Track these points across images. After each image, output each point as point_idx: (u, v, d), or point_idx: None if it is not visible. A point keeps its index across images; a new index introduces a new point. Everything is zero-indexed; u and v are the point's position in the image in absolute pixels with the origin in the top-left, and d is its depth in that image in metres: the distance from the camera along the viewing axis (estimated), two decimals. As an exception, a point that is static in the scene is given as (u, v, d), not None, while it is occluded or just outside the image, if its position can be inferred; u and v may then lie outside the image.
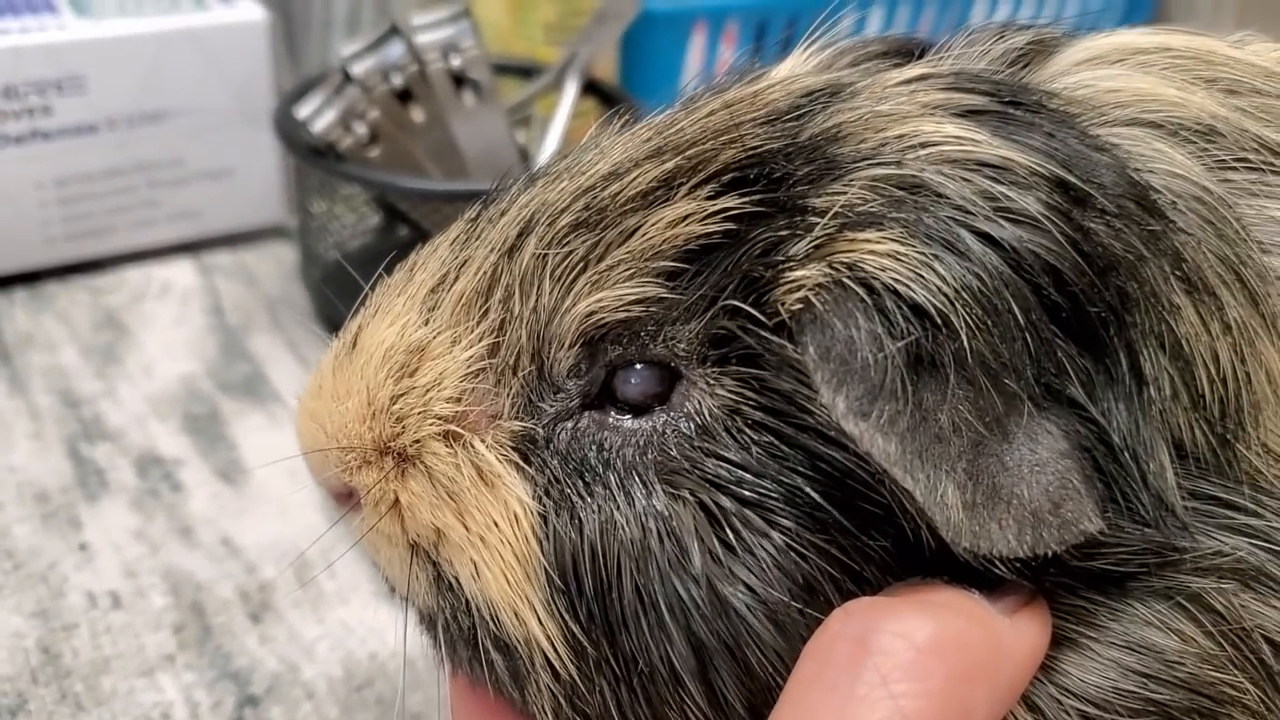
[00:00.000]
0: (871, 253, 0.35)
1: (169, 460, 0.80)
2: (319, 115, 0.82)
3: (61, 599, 0.69)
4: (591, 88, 0.99)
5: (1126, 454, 0.36)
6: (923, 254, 0.34)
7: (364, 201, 0.95)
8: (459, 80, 0.85)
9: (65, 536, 0.73)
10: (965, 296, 0.34)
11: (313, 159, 0.85)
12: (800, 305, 0.35)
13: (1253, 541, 0.37)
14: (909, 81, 0.40)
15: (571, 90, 0.95)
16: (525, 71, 1.03)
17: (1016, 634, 0.36)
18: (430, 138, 0.86)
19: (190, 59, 0.97)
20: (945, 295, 0.34)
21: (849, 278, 0.35)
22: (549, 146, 0.90)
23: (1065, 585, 0.37)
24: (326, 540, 0.68)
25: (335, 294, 0.79)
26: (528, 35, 1.12)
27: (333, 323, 0.88)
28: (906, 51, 0.43)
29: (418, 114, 0.85)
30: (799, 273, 0.36)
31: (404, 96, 0.85)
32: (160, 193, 1.00)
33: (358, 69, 0.83)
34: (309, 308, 0.97)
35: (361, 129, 0.84)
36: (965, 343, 0.34)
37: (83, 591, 0.69)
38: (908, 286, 0.34)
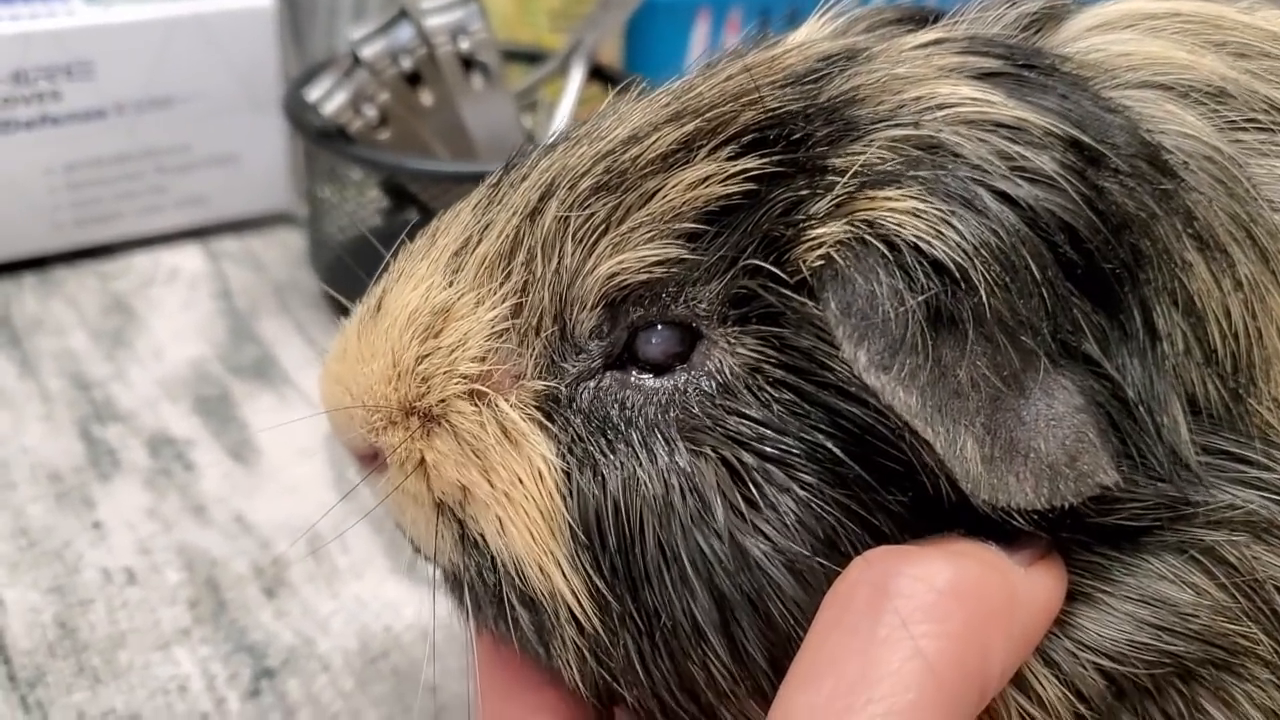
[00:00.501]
0: (892, 210, 0.35)
1: (180, 440, 0.81)
2: (329, 98, 0.83)
3: (77, 575, 0.69)
4: (597, 73, 0.99)
5: (1141, 409, 0.36)
6: (942, 211, 0.35)
7: (372, 186, 0.96)
8: (468, 63, 0.85)
9: (79, 515, 0.74)
10: (984, 253, 0.35)
11: (322, 142, 0.85)
12: (822, 262, 0.36)
13: (1264, 494, 0.37)
14: (924, 46, 0.40)
15: (577, 76, 0.96)
16: (531, 57, 1.03)
17: (1032, 584, 0.37)
18: (439, 120, 0.86)
19: (198, 45, 0.97)
20: (964, 251, 0.35)
21: (870, 234, 0.35)
22: (556, 130, 0.91)
23: (1080, 541, 0.38)
24: (339, 516, 0.69)
25: (343, 278, 0.80)
26: (533, 22, 1.13)
27: (341, 307, 0.89)
28: (920, 19, 0.44)
29: (427, 97, 0.86)
30: (820, 230, 0.36)
31: (413, 79, 0.85)
32: (168, 179, 1.01)
33: (367, 52, 0.83)
34: (317, 292, 0.98)
35: (371, 111, 0.84)
36: (984, 298, 0.35)
37: (98, 568, 0.70)
38: (928, 242, 0.35)
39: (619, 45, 1.14)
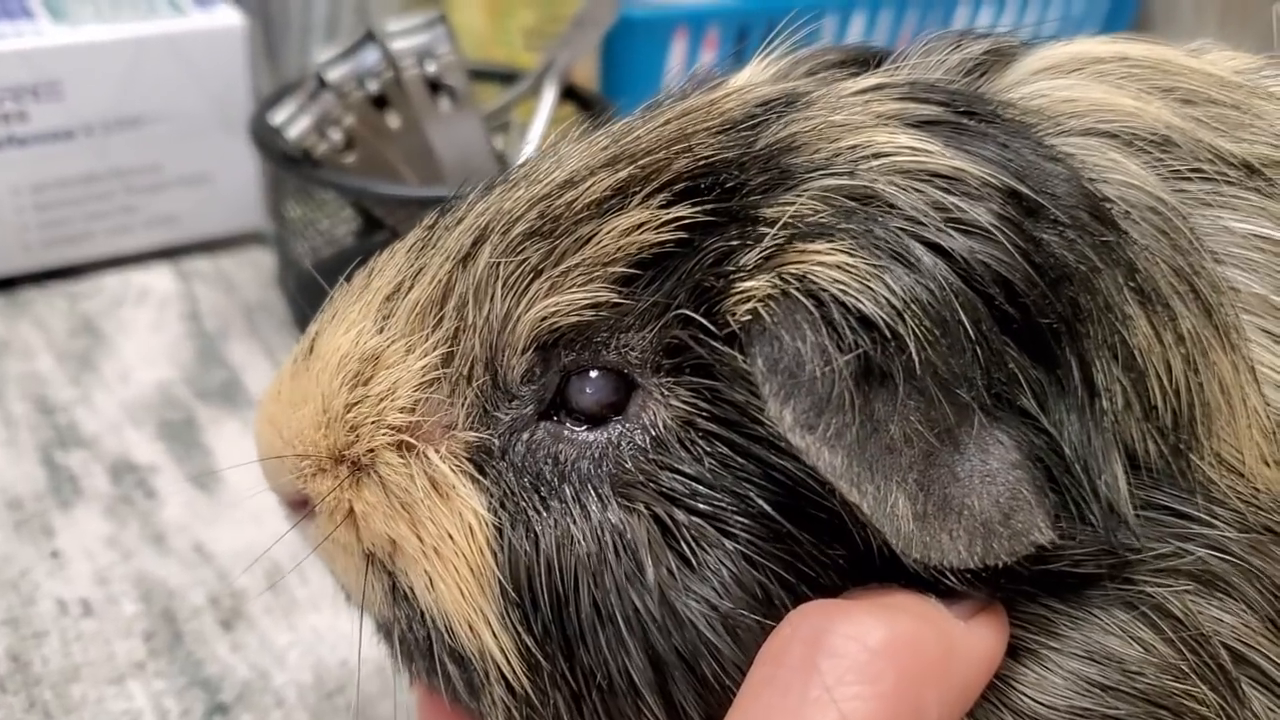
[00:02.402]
0: (820, 264, 0.35)
1: (143, 467, 0.80)
2: (293, 121, 0.82)
3: (32, 606, 0.69)
4: (570, 93, 0.98)
5: (1078, 465, 0.36)
6: (872, 265, 0.34)
7: (342, 207, 0.95)
8: (434, 86, 0.85)
9: (37, 544, 0.73)
10: (914, 308, 0.34)
11: (288, 165, 0.85)
12: (749, 316, 0.35)
13: (1207, 551, 0.37)
14: (864, 91, 0.40)
15: (549, 96, 0.95)
16: (504, 77, 1.03)
17: (971, 638, 0.36)
18: (406, 144, 0.86)
19: (167, 65, 0.96)
20: (894, 307, 0.34)
21: (797, 289, 0.35)
22: (526, 153, 0.90)
23: (1025, 592, 0.37)
24: (299, 547, 0.68)
25: (312, 300, 0.79)
26: (507, 41, 1.12)
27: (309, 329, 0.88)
28: (863, 60, 0.44)
29: (393, 120, 0.85)
30: (749, 283, 0.36)
31: (380, 102, 0.85)
32: (138, 199, 1.00)
33: (333, 75, 0.83)
34: (286, 314, 0.97)
35: (337, 135, 0.84)
36: (914, 354, 0.34)
37: (54, 599, 0.69)
38: (855, 298, 0.34)
39: (595, 64, 1.13)
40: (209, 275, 1.03)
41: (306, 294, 0.91)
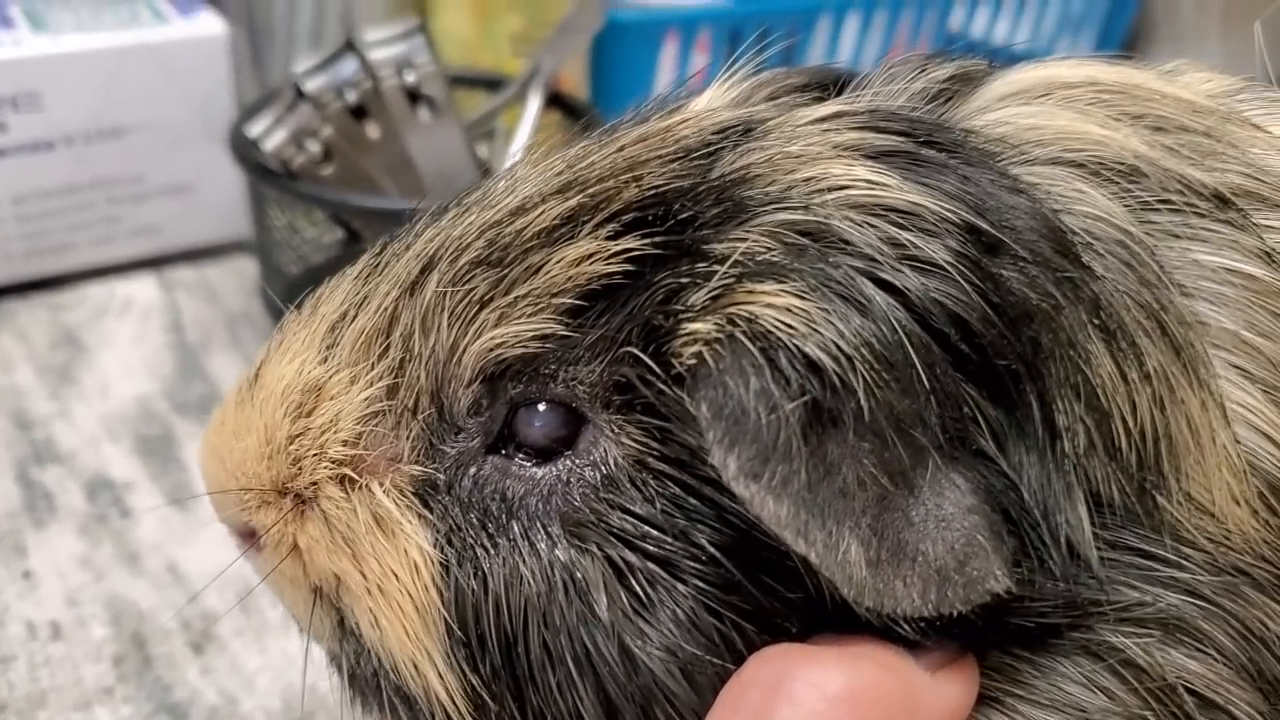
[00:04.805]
0: (769, 305, 0.34)
1: (119, 484, 0.79)
2: (270, 134, 0.81)
3: (1, 630, 0.68)
4: (556, 100, 0.97)
5: (1038, 508, 0.35)
6: (821, 308, 0.33)
7: (325, 216, 0.94)
8: (413, 96, 0.83)
9: (9, 564, 0.72)
10: (863, 352, 0.33)
11: (266, 177, 0.84)
12: (695, 360, 0.34)
13: (1175, 594, 0.35)
14: (823, 119, 0.39)
15: (535, 103, 0.94)
16: (490, 83, 1.02)
17: (936, 690, 0.35)
18: (386, 154, 0.85)
19: (149, 74, 0.95)
20: (843, 352, 0.33)
21: (743, 333, 0.34)
22: (511, 160, 0.89)
23: (988, 641, 0.36)
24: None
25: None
26: (493, 46, 1.11)
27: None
28: (826, 85, 0.42)
29: (373, 130, 0.84)
30: (695, 325, 0.34)
31: (358, 113, 0.84)
32: (120, 209, 0.99)
33: (310, 86, 0.82)
34: (268, 324, 0.96)
35: (315, 146, 0.82)
36: (863, 400, 0.33)
37: (23, 621, 0.68)
38: (803, 343, 0.33)
39: (585, 69, 1.12)
40: (192, 285, 1.02)
41: (289, 304, 0.90)
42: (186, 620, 0.69)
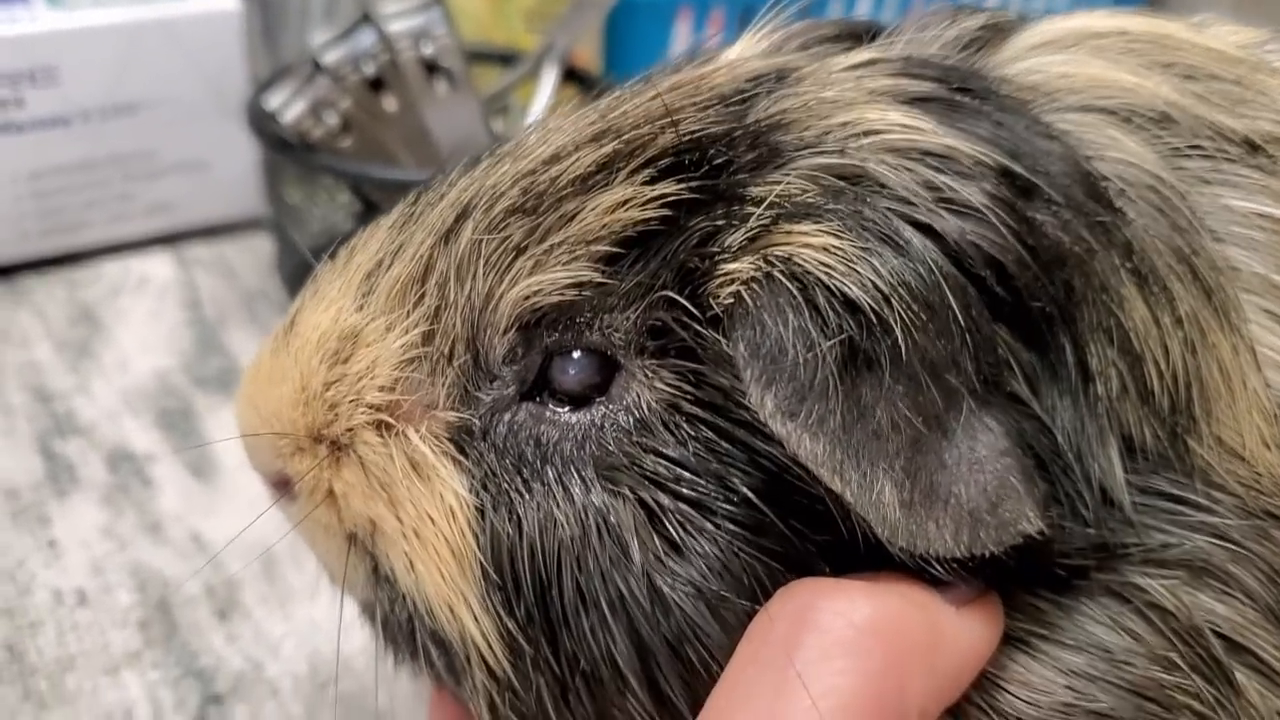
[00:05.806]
0: (806, 245, 0.34)
1: (140, 455, 0.80)
2: (289, 106, 0.81)
3: (28, 596, 0.68)
4: (571, 75, 0.97)
5: (1070, 452, 0.35)
6: (859, 248, 0.33)
7: (341, 191, 0.94)
8: (431, 68, 0.84)
9: (34, 533, 0.73)
10: (901, 292, 0.33)
11: (283, 150, 0.84)
12: (732, 300, 0.35)
13: (1205, 537, 0.36)
14: (856, 67, 0.39)
15: (549, 78, 0.94)
16: (504, 59, 1.02)
17: (961, 626, 0.35)
18: (403, 127, 0.85)
19: (163, 50, 0.96)
20: (880, 291, 0.33)
21: (781, 272, 0.34)
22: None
23: (1016, 582, 0.36)
24: (295, 534, 0.68)
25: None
26: (508, 23, 1.11)
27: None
28: (858, 35, 0.42)
29: (390, 103, 0.84)
30: (732, 265, 0.35)
31: (376, 85, 0.84)
32: (135, 185, 0.99)
33: (328, 58, 0.82)
34: (285, 300, 0.96)
35: (333, 119, 0.83)
36: (900, 340, 0.33)
37: (50, 589, 0.69)
38: (841, 281, 0.33)
39: (598, 45, 1.12)
40: (209, 262, 1.02)
41: (305, 279, 0.91)
42: (211, 587, 0.69)
